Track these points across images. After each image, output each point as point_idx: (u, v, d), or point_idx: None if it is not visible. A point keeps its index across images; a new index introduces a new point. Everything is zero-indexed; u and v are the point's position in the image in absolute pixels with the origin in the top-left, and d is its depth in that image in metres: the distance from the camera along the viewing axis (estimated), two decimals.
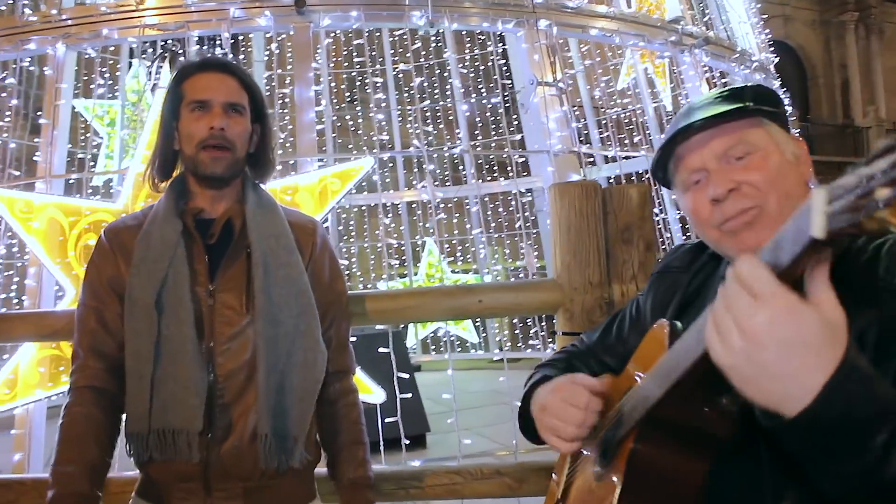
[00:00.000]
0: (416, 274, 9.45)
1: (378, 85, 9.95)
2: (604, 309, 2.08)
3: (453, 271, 9.34)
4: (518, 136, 9.58)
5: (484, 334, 9.82)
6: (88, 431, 1.50)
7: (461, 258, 10.20)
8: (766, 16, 7.43)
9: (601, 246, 2.10)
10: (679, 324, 1.09)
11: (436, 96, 9.41)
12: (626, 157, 6.69)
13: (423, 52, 9.27)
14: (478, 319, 9.79)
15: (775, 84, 5.49)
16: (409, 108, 10.23)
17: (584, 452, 1.34)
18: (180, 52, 3.37)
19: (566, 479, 1.41)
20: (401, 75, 10.04)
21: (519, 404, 1.44)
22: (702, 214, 1.15)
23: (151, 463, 1.52)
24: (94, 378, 1.54)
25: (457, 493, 2.15)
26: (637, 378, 1.16)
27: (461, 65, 9.57)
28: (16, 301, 6.74)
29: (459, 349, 9.45)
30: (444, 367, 8.96)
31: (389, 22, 3.76)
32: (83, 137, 8.30)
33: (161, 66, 3.26)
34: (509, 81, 8.80)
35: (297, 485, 1.61)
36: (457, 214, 9.93)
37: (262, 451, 1.48)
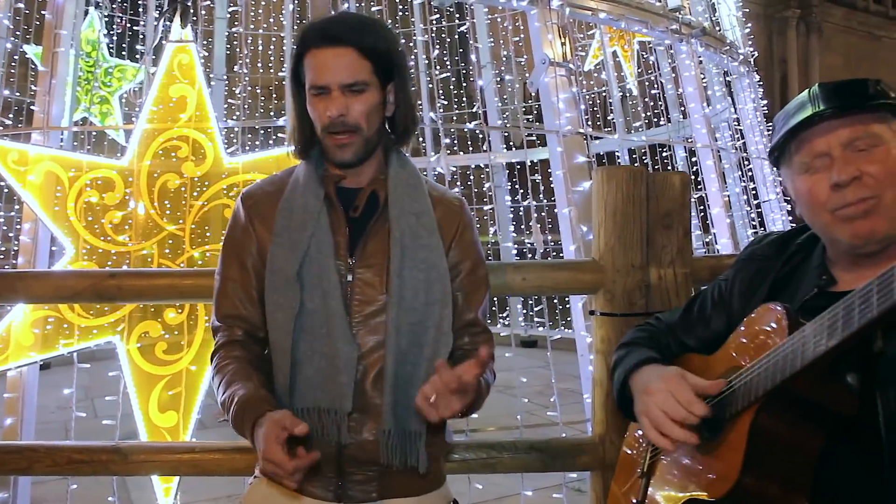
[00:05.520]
0: None
1: None
2: (643, 291, 2.12)
3: None
4: (474, 109, 9.61)
5: None
6: (249, 365, 1.47)
7: None
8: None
9: (643, 230, 2.14)
10: (788, 306, 1.16)
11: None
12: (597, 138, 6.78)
13: (389, 21, 9.13)
14: None
15: (756, 77, 5.67)
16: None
17: None
18: (189, 3, 3.22)
19: (650, 454, 1.44)
20: None
21: (616, 382, 1.48)
22: (819, 197, 1.21)
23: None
24: (238, 339, 1.52)
25: (490, 466, 2.17)
26: (743, 359, 1.21)
27: (426, 35, 9.50)
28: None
29: None
30: None
31: None
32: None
33: (171, 20, 3.11)
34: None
35: (432, 469, 1.55)
36: None
37: (383, 447, 1.43)
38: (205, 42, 8.92)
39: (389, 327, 1.44)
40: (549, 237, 6.63)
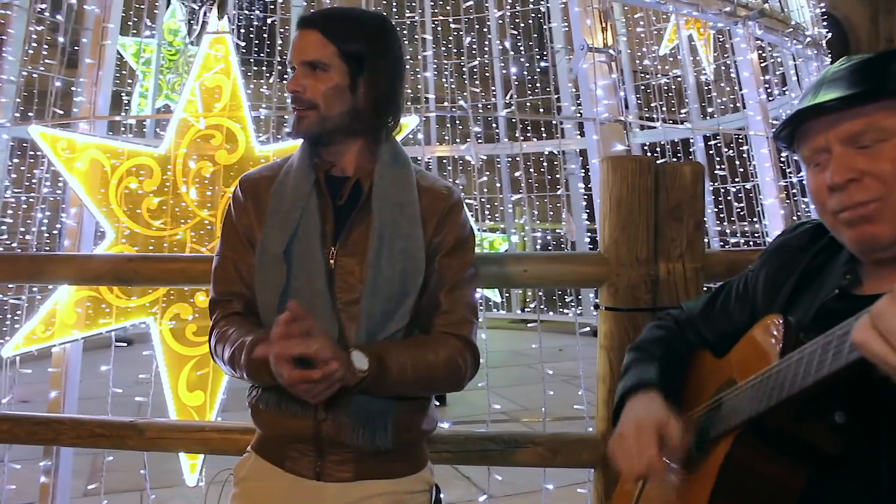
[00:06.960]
0: None
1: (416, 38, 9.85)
2: (648, 286, 2.05)
3: (480, 230, 9.32)
4: (555, 97, 9.51)
5: (507, 294, 9.82)
6: (251, 325, 1.51)
7: (489, 217, 10.16)
8: None
9: (650, 222, 2.07)
10: (792, 320, 1.05)
11: (473, 52, 9.25)
12: (647, 127, 6.56)
13: (464, 7, 9.10)
14: None
15: (826, 61, 5.34)
16: (445, 62, 10.13)
17: None
18: None
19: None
20: (440, 28, 9.88)
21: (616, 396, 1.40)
22: (820, 196, 1.10)
23: (267, 419, 1.53)
24: (237, 312, 1.56)
25: (490, 459, 2.16)
26: (738, 374, 1.12)
27: (501, 21, 9.42)
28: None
29: (482, 308, 9.46)
30: None
31: None
32: (117, 75, 8.32)
33: (209, 11, 3.20)
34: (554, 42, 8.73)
35: (411, 453, 1.57)
36: (487, 173, 9.87)
37: (350, 429, 1.45)
38: (281, 31, 9.15)
39: (362, 315, 1.46)
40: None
